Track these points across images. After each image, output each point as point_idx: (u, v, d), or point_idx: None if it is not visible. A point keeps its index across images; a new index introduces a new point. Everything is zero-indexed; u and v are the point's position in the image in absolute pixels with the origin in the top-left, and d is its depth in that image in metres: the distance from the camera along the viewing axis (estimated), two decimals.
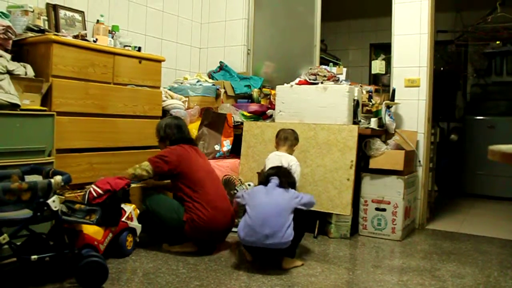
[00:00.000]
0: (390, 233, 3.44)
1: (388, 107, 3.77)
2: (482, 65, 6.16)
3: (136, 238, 2.86)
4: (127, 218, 2.77)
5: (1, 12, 2.77)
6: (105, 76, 3.09)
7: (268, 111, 4.01)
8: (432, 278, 2.62)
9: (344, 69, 4.13)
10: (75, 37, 3.00)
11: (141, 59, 3.36)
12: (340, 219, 3.40)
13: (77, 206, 2.46)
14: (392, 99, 3.83)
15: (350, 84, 3.66)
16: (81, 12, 3.42)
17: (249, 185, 3.48)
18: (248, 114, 4.00)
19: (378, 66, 4.21)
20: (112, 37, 3.47)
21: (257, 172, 3.54)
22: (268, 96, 4.28)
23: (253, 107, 4.09)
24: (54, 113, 2.67)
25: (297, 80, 3.72)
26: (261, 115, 4.03)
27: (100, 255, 2.29)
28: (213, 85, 4.18)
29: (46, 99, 2.71)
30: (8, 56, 2.57)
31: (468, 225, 4.03)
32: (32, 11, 3.01)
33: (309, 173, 3.45)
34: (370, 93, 4.01)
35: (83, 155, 2.94)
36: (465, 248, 3.29)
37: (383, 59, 4.22)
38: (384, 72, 4.28)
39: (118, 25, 3.66)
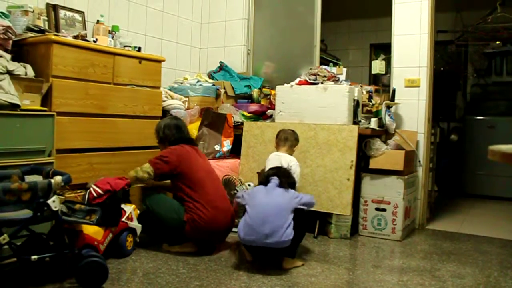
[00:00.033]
0: (390, 233, 3.44)
1: (388, 107, 3.77)
2: (482, 65, 6.16)
3: (136, 238, 2.86)
4: (127, 218, 2.78)
5: (1, 12, 2.77)
6: (105, 76, 3.09)
7: (268, 111, 4.01)
8: (432, 278, 2.62)
9: (344, 69, 4.13)
10: (75, 37, 3.01)
11: (141, 59, 3.36)
12: (340, 219, 3.40)
13: (77, 206, 2.46)
14: (392, 99, 3.83)
15: (350, 84, 3.66)
16: (81, 12, 3.42)
17: (249, 185, 3.49)
18: (248, 114, 4.00)
19: (378, 66, 4.21)
20: (112, 37, 3.47)
21: (257, 172, 3.54)
22: (268, 96, 4.28)
23: (253, 107, 4.09)
24: (54, 113, 2.67)
25: (297, 80, 3.72)
26: (261, 115, 4.03)
27: (100, 255, 2.29)
28: (213, 85, 4.18)
29: (46, 99, 2.71)
30: (8, 56, 2.57)
31: (468, 225, 4.03)
32: (32, 11, 3.01)
33: (309, 173, 3.45)
34: (370, 93, 4.01)
35: (83, 155, 2.94)
36: (465, 248, 3.29)
37: (383, 59, 4.23)
38: (384, 72, 4.28)
39: (118, 25, 3.66)
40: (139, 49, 3.58)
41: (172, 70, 4.46)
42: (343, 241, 3.36)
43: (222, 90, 4.20)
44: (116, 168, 3.09)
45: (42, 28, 2.97)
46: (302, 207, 2.68)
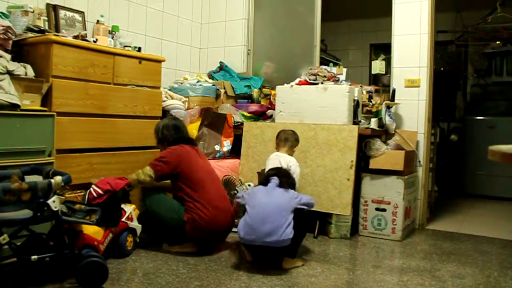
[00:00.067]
0: (390, 233, 3.44)
1: (388, 107, 3.77)
2: (482, 65, 6.16)
3: (136, 239, 2.86)
4: (127, 218, 2.78)
5: (1, 13, 2.77)
6: (105, 77, 3.09)
7: (268, 111, 4.01)
8: (432, 278, 2.62)
9: (344, 69, 4.13)
10: (75, 37, 3.01)
11: (141, 59, 3.36)
12: (340, 219, 3.40)
13: (77, 206, 2.46)
14: (392, 99, 3.83)
15: (350, 84, 3.66)
16: (81, 13, 3.42)
17: (249, 185, 3.49)
18: (248, 114, 4.00)
19: (378, 66, 4.21)
20: (112, 38, 3.47)
21: (257, 172, 3.54)
22: (268, 96, 4.28)
23: (253, 107, 4.09)
24: (54, 113, 2.67)
25: (297, 80, 3.72)
26: (261, 115, 4.03)
27: (100, 255, 2.29)
28: (213, 85, 4.18)
29: (46, 100, 2.71)
30: (8, 56, 2.57)
31: (468, 225, 4.03)
32: (32, 12, 3.01)
33: (309, 173, 3.45)
34: (370, 93, 4.01)
35: (83, 155, 2.94)
36: (465, 248, 3.29)
37: (383, 59, 4.23)
38: (384, 72, 4.28)
39: (118, 26, 3.66)
40: (139, 49, 3.58)
41: (172, 70, 4.46)
42: (343, 241, 3.36)
43: (222, 90, 4.20)
44: (116, 168, 3.09)
45: (42, 28, 2.97)
46: (302, 207, 2.68)
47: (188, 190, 2.86)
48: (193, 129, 3.67)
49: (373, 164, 3.54)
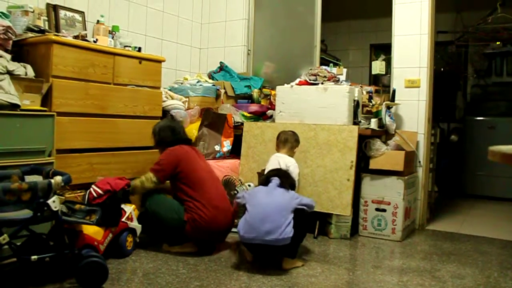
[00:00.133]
0: (390, 234, 3.44)
1: (388, 107, 3.77)
2: (482, 65, 6.16)
3: (136, 239, 2.86)
4: (127, 218, 2.78)
5: (1, 12, 2.77)
6: (105, 77, 3.09)
7: (268, 111, 4.01)
8: (432, 278, 2.62)
9: (344, 70, 4.13)
10: (75, 37, 3.00)
11: (141, 59, 3.36)
12: (340, 219, 3.40)
13: (77, 206, 2.46)
14: (392, 99, 3.83)
15: (350, 85, 3.66)
16: (81, 13, 3.42)
17: (249, 185, 3.48)
18: (248, 115, 4.00)
19: (378, 66, 4.21)
20: (112, 38, 3.47)
21: (257, 172, 3.54)
22: (268, 97, 4.28)
23: (253, 107, 4.08)
24: (54, 113, 2.67)
25: (297, 81, 3.72)
26: (261, 116, 4.03)
27: (100, 255, 2.29)
28: (213, 85, 4.18)
29: (46, 100, 2.71)
30: (8, 56, 2.57)
31: (468, 225, 4.03)
32: (32, 12, 3.01)
33: (309, 174, 3.45)
34: (370, 94, 4.01)
35: (83, 155, 2.94)
36: (465, 248, 3.29)
37: (383, 60, 4.23)
38: (384, 73, 4.28)
39: (118, 26, 3.66)
40: (139, 49, 3.58)
41: (172, 70, 4.46)
42: (343, 242, 3.36)
43: (222, 91, 4.20)
44: (116, 168, 3.09)
45: (42, 28, 2.97)
46: (302, 207, 2.68)
47: (188, 190, 2.86)
48: (193, 129, 3.67)
49: (373, 164, 3.54)
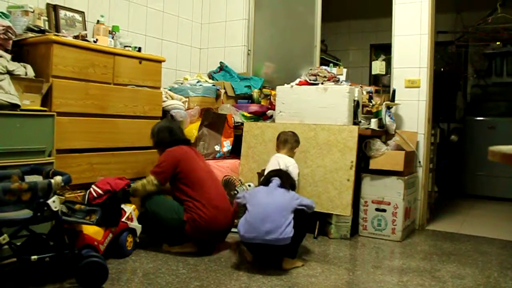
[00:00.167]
0: (390, 234, 3.44)
1: (388, 107, 3.77)
2: (482, 66, 6.16)
3: (136, 239, 2.86)
4: (127, 218, 2.78)
5: (1, 12, 2.77)
6: (105, 77, 3.09)
7: (268, 111, 4.01)
8: (432, 278, 2.62)
9: (344, 70, 4.13)
10: (76, 37, 3.00)
11: (141, 59, 3.36)
12: (340, 219, 3.40)
13: (77, 206, 2.46)
14: (392, 99, 3.83)
15: (350, 85, 3.66)
16: (82, 13, 3.42)
17: (249, 185, 3.48)
18: (248, 115, 4.00)
19: (378, 66, 4.21)
20: (112, 38, 3.47)
21: (257, 173, 3.54)
22: (268, 97, 4.28)
23: (253, 107, 4.08)
24: (54, 113, 2.67)
25: (297, 81, 3.72)
26: (261, 116, 4.03)
27: (100, 256, 2.29)
28: (213, 85, 4.18)
29: (46, 100, 2.71)
30: (8, 56, 2.57)
31: (468, 226, 4.03)
32: (32, 12, 3.01)
33: (309, 174, 3.45)
34: (370, 94, 4.01)
35: (83, 155, 2.93)
36: (465, 249, 3.29)
37: (383, 60, 4.23)
38: (384, 73, 4.28)
39: (118, 26, 3.66)
40: (139, 49, 3.58)
41: (172, 71, 4.46)
42: (343, 242, 3.36)
43: (222, 91, 4.20)
44: (116, 168, 3.09)
45: (42, 28, 2.97)
46: (302, 207, 2.68)
47: (187, 190, 2.87)
48: (193, 129, 3.67)
49: (373, 164, 3.54)
